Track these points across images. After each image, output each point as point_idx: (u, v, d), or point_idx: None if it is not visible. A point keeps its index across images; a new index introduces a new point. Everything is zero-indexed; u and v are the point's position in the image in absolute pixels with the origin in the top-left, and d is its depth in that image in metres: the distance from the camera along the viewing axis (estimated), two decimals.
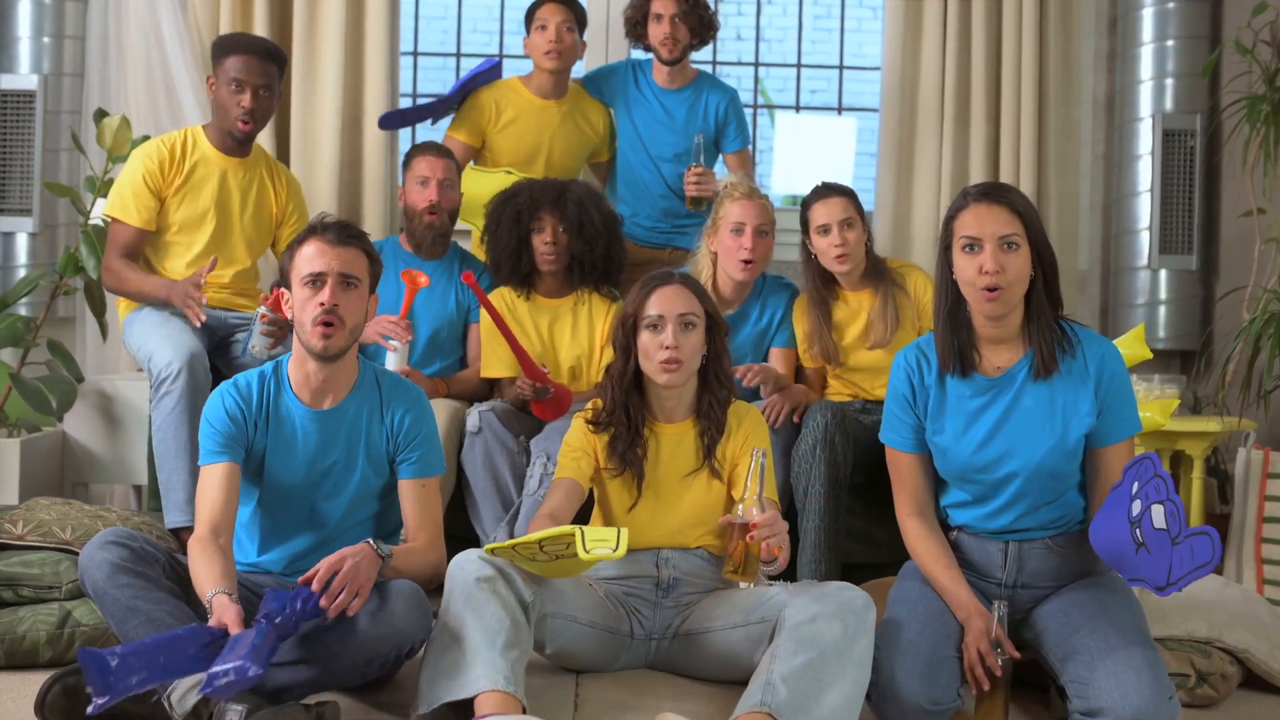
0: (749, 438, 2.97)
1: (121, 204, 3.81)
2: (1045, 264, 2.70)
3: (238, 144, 3.89)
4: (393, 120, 4.53)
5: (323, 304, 2.74)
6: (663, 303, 2.92)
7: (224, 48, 3.87)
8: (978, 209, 2.69)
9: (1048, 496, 2.75)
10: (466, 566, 2.61)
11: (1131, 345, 3.86)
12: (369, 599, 2.58)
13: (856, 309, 3.79)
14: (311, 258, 2.78)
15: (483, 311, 3.81)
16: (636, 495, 2.96)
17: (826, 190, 3.77)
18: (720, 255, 3.80)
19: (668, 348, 2.88)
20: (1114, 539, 2.53)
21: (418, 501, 2.89)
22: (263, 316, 3.50)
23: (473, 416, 3.64)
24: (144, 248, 3.85)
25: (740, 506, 2.73)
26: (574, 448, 2.99)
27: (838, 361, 3.78)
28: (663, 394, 2.96)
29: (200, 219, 3.84)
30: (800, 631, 2.56)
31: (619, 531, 2.52)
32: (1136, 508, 2.50)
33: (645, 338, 2.92)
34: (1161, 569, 2.48)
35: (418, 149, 4.05)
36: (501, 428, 3.61)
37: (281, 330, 3.52)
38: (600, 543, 2.50)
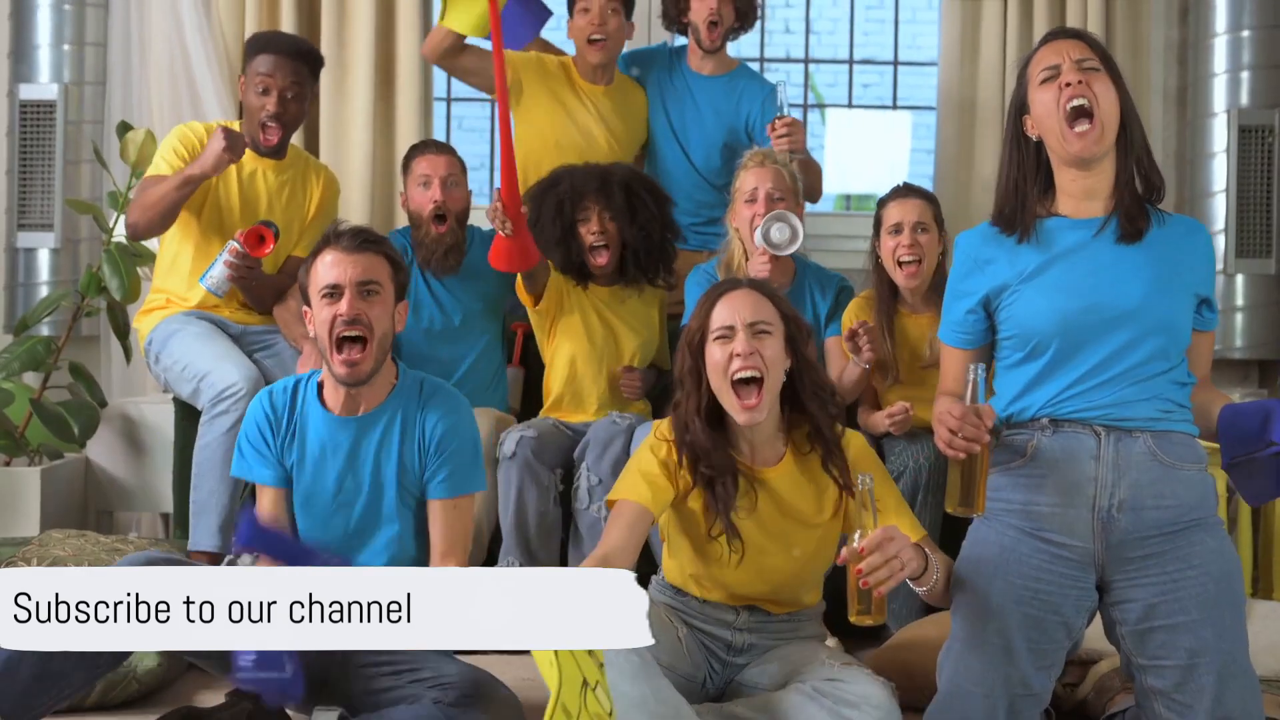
0: (855, 469, 2.61)
1: (154, 165, 3.67)
2: (1131, 119, 2.46)
3: (273, 148, 3.71)
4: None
5: (341, 314, 2.59)
6: (729, 310, 2.58)
7: (254, 46, 3.72)
8: (1053, 44, 2.49)
9: (1156, 361, 2.42)
10: None
11: None
12: None
13: (916, 335, 3.52)
14: (328, 268, 2.64)
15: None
16: (731, 553, 2.62)
17: (906, 190, 3.57)
18: (741, 231, 3.57)
19: (738, 355, 2.53)
20: (1243, 424, 2.39)
21: (445, 523, 2.72)
22: (232, 249, 3.46)
23: (509, 441, 3.45)
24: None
25: (856, 539, 2.31)
26: (652, 472, 2.60)
27: (895, 377, 3.52)
28: (745, 429, 2.61)
29: (221, 216, 3.66)
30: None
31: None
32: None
33: (714, 352, 2.57)
34: None
35: (416, 147, 3.85)
36: (536, 461, 3.43)
37: (248, 270, 3.50)
38: None
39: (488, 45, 3.61)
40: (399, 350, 3.69)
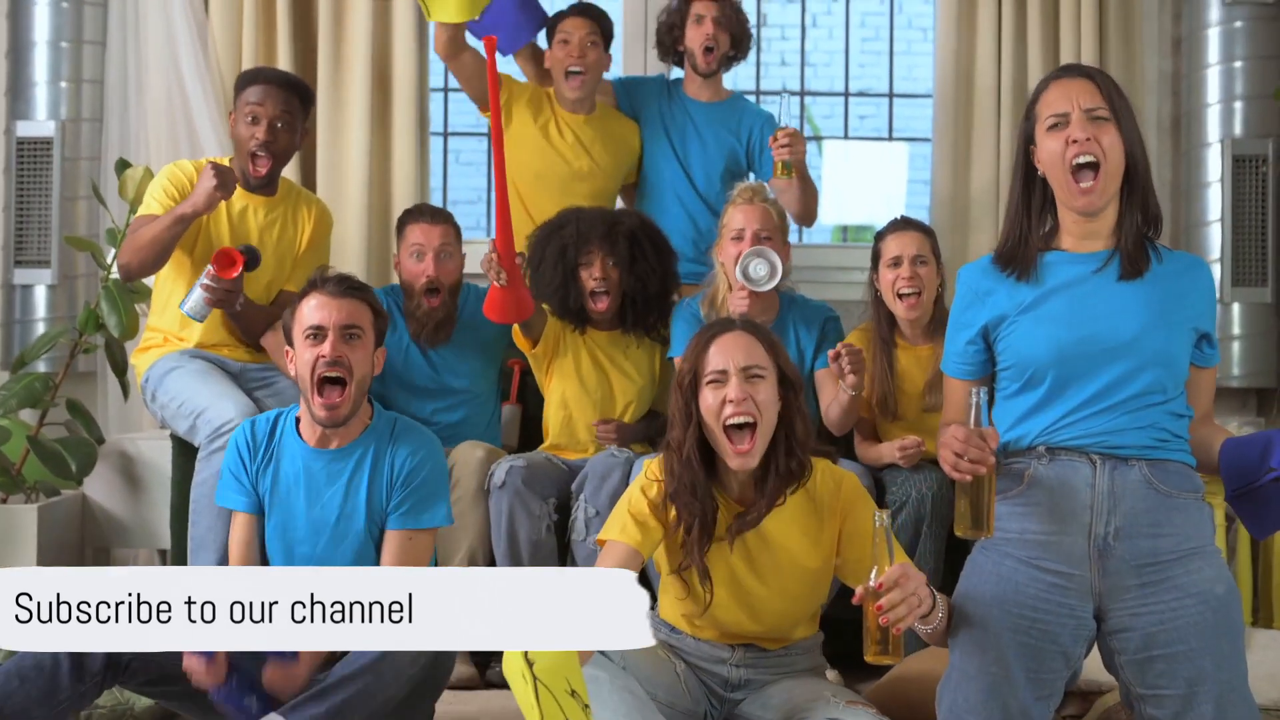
0: (850, 508, 2.62)
1: (144, 205, 3.65)
2: (1137, 161, 2.45)
3: (262, 181, 3.68)
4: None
5: (323, 356, 2.69)
6: (722, 354, 2.56)
7: (243, 80, 3.70)
8: (1062, 84, 2.47)
9: (1152, 394, 2.41)
10: None
11: None
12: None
13: (915, 368, 3.54)
14: (313, 310, 2.74)
15: None
16: (711, 593, 2.62)
17: (904, 223, 3.58)
18: (726, 267, 3.57)
19: (731, 400, 2.52)
20: (1244, 455, 2.40)
21: (398, 554, 2.77)
22: (207, 273, 3.43)
23: (500, 470, 3.42)
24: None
25: (872, 578, 2.27)
26: (639, 512, 2.60)
27: (894, 415, 3.53)
28: (733, 471, 2.62)
29: (208, 253, 3.61)
30: None
31: None
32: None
33: (707, 396, 2.55)
34: None
35: (410, 214, 3.80)
36: (526, 489, 3.40)
37: (227, 295, 3.46)
38: None
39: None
40: (393, 391, 3.71)
